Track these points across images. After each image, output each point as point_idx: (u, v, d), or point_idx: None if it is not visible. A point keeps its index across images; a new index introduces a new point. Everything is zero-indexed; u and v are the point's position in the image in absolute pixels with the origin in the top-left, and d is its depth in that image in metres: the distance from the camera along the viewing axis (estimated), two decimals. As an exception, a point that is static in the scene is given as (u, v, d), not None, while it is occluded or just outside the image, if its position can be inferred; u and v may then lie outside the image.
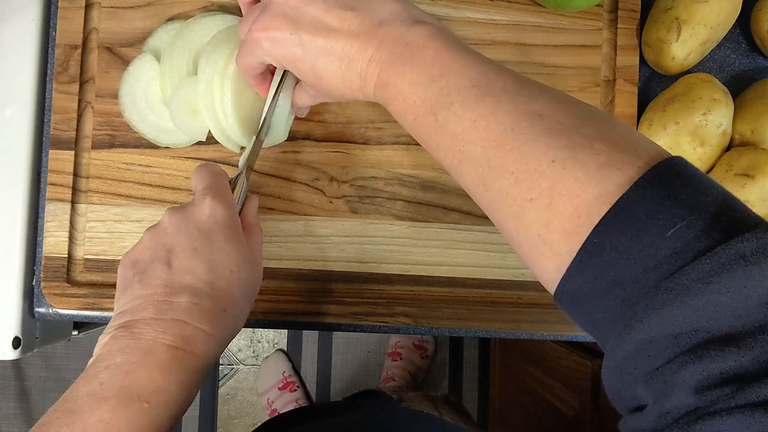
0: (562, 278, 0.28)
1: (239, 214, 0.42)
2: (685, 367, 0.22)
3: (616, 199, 0.25)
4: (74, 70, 0.48)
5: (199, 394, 1.38)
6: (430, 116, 0.32)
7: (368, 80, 0.35)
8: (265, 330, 1.41)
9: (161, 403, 0.33)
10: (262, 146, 0.48)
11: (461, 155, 0.32)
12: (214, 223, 0.37)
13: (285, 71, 0.44)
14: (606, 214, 0.26)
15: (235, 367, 1.40)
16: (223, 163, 0.49)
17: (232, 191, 0.42)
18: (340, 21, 0.35)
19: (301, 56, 0.36)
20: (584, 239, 0.26)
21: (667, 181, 0.25)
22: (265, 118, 0.44)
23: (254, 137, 0.44)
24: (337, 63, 0.35)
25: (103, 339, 0.35)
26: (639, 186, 0.25)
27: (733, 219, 0.24)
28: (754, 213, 0.25)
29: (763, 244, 0.22)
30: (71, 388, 0.33)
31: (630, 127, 0.29)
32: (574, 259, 0.27)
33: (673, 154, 0.27)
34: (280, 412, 0.57)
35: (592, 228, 0.26)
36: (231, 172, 0.49)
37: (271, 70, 0.42)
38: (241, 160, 0.44)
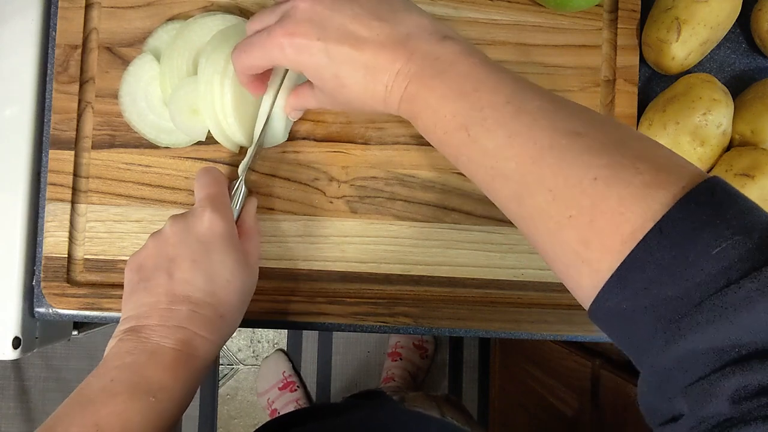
0: (600, 294, 0.28)
1: (238, 217, 0.44)
2: (725, 378, 0.23)
3: (661, 217, 0.26)
4: (74, 70, 0.48)
5: (199, 394, 1.38)
6: (462, 131, 0.32)
7: (394, 92, 0.35)
8: (265, 330, 1.41)
9: (167, 398, 0.36)
10: (263, 146, 0.48)
11: (494, 171, 0.32)
12: (212, 235, 0.39)
13: (284, 72, 0.44)
14: (650, 230, 0.26)
15: (235, 367, 1.40)
16: (223, 163, 0.49)
17: (232, 197, 0.44)
18: (368, 30, 0.35)
19: (326, 64, 0.36)
20: (625, 256, 0.26)
21: (711, 201, 0.26)
22: (265, 122, 0.44)
23: (254, 143, 0.45)
24: (362, 73, 0.35)
25: (112, 342, 0.38)
26: (683, 204, 0.26)
27: None
28: None
29: None
30: (82, 385, 0.36)
31: (668, 149, 0.30)
32: (613, 274, 0.27)
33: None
34: (281, 412, 0.57)
35: (635, 245, 0.26)
36: (232, 172, 0.49)
37: (266, 72, 0.42)
38: (241, 166, 0.45)
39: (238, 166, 0.49)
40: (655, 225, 0.26)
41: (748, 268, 0.24)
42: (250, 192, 0.48)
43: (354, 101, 0.37)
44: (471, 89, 0.32)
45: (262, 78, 0.43)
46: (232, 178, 0.46)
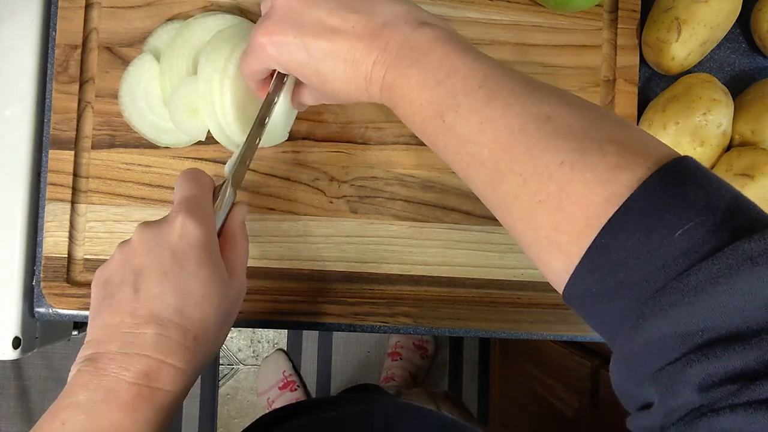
0: (571, 278, 0.28)
1: (224, 223, 0.40)
2: (691, 365, 0.23)
3: (625, 199, 0.26)
4: (74, 70, 0.48)
5: (199, 394, 1.38)
6: (437, 119, 0.32)
7: (374, 82, 0.35)
8: (265, 330, 1.41)
9: None
10: (263, 146, 0.48)
11: (469, 157, 0.32)
12: (185, 244, 0.35)
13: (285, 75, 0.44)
14: (614, 214, 0.26)
15: (235, 367, 1.40)
16: (222, 163, 0.49)
17: (216, 201, 0.40)
18: (343, 23, 0.35)
19: (306, 60, 0.36)
20: (592, 240, 0.26)
21: (676, 182, 0.25)
22: (260, 121, 0.44)
23: (244, 143, 0.42)
24: (342, 66, 0.35)
25: (72, 370, 0.34)
26: (648, 186, 0.25)
27: (743, 220, 0.24)
28: (765, 214, 0.25)
29: None
30: (36, 425, 0.32)
31: (641, 130, 0.30)
32: (582, 259, 0.27)
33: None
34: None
35: (600, 228, 0.26)
36: (210, 169, 0.49)
37: (271, 74, 0.42)
38: (228, 167, 0.42)
39: None
40: (619, 208, 0.26)
41: (710, 249, 0.23)
42: (249, 191, 0.47)
43: (339, 93, 0.37)
44: (445, 76, 0.32)
45: (269, 81, 0.43)
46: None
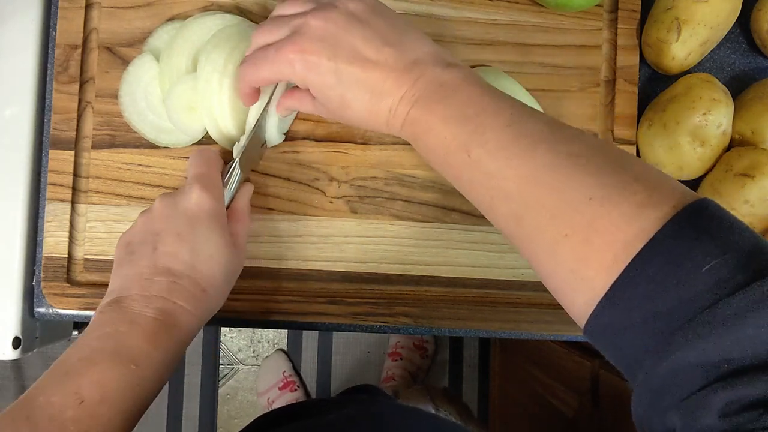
0: (595, 311, 0.28)
1: (231, 200, 0.44)
2: (716, 392, 0.23)
3: (652, 235, 0.27)
4: (74, 70, 0.48)
5: (199, 394, 1.38)
6: (463, 152, 0.33)
7: (398, 115, 0.36)
8: (265, 330, 1.40)
9: (147, 366, 0.36)
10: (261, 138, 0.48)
11: (494, 192, 0.33)
12: (199, 211, 0.40)
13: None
14: (643, 248, 0.27)
15: (235, 367, 1.40)
16: (223, 163, 0.49)
17: (225, 179, 0.44)
18: (377, 54, 0.36)
19: (334, 84, 0.36)
20: (619, 273, 0.27)
21: (701, 220, 0.27)
22: (258, 121, 0.44)
23: (253, 126, 0.44)
24: (368, 95, 0.36)
25: (95, 316, 0.38)
26: (675, 223, 0.27)
27: (764, 260, 0.26)
28: None
29: None
30: (63, 356, 0.36)
31: (659, 170, 0.31)
32: (608, 292, 0.28)
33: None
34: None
35: (628, 262, 0.27)
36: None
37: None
38: (236, 149, 0.45)
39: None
40: (647, 243, 0.27)
41: (737, 284, 0.25)
42: (247, 180, 0.47)
43: (356, 120, 0.38)
44: (473, 113, 0.34)
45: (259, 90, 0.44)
46: (229, 160, 0.46)
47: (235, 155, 0.45)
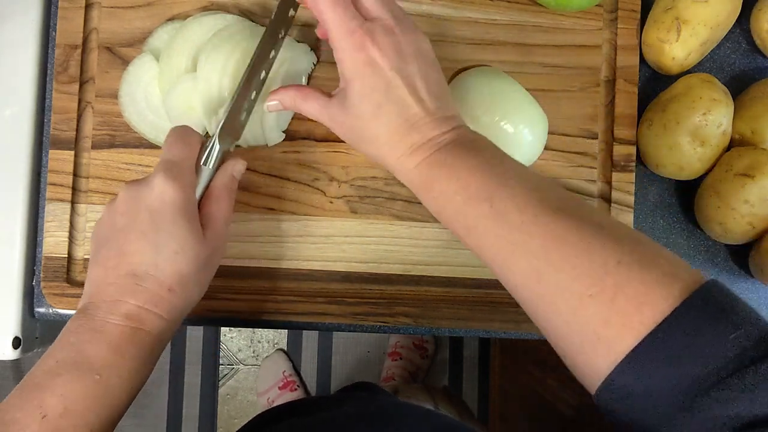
0: (614, 371, 0.29)
1: (211, 179, 0.41)
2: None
3: (680, 303, 0.28)
4: (74, 70, 0.48)
5: (199, 394, 1.38)
6: (484, 202, 0.34)
7: (416, 155, 0.37)
8: (265, 330, 1.41)
9: (113, 374, 0.35)
10: (256, 144, 0.48)
11: (514, 246, 0.33)
12: (161, 204, 0.37)
13: (269, 65, 0.43)
14: (670, 314, 0.28)
15: (235, 367, 1.40)
16: (223, 163, 0.49)
17: (203, 157, 0.41)
18: (426, 95, 0.37)
19: (382, 90, 0.37)
20: (643, 337, 0.28)
21: (721, 295, 0.29)
22: (237, 91, 0.42)
23: (233, 96, 0.42)
24: (401, 120, 0.37)
25: (66, 325, 0.38)
26: (700, 293, 0.29)
27: None
28: None
29: None
30: (31, 370, 0.36)
31: (672, 252, 0.33)
32: (631, 352, 0.28)
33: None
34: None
35: (656, 326, 0.28)
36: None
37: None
38: (214, 123, 0.43)
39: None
40: (674, 309, 0.28)
41: (761, 354, 0.27)
42: (242, 199, 0.47)
43: (369, 136, 0.38)
44: (500, 171, 0.35)
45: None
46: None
47: (213, 129, 0.43)
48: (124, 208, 0.38)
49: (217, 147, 0.41)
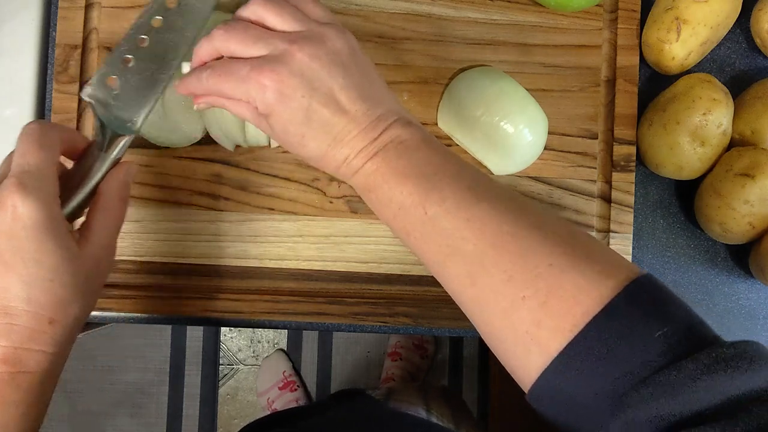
0: (545, 372, 0.29)
1: (97, 185, 0.36)
2: None
3: (608, 302, 0.29)
4: (74, 70, 0.48)
5: (199, 394, 1.38)
6: (418, 208, 0.34)
7: (352, 166, 0.36)
8: (265, 330, 1.41)
9: None
10: (254, 145, 0.48)
11: (449, 250, 0.33)
12: (20, 229, 0.32)
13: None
14: (598, 313, 0.28)
15: (235, 367, 1.40)
16: (222, 163, 0.49)
17: (86, 157, 0.36)
18: (349, 104, 0.35)
19: (300, 121, 0.35)
20: (574, 336, 0.29)
21: (651, 292, 0.30)
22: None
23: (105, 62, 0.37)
24: (329, 140, 0.35)
25: None
26: (629, 292, 0.29)
27: (703, 332, 0.29)
28: (711, 330, 0.29)
29: (740, 351, 0.27)
30: None
31: (610, 248, 0.34)
32: (562, 352, 0.29)
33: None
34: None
35: (585, 325, 0.28)
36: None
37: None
38: (96, 122, 0.37)
39: (232, 164, 0.49)
40: (603, 308, 0.28)
41: (685, 350, 0.27)
42: (242, 199, 0.47)
43: (305, 158, 0.37)
44: (431, 172, 0.34)
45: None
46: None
47: (95, 131, 0.37)
48: None
49: (101, 153, 0.36)
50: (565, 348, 0.29)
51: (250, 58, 0.35)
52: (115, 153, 0.36)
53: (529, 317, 0.30)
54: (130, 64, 0.38)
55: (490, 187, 0.34)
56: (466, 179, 0.34)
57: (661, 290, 0.30)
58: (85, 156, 0.37)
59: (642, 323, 0.28)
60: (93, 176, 0.36)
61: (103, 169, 0.36)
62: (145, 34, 0.38)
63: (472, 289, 0.32)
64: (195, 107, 0.39)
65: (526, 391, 0.32)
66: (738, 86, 0.53)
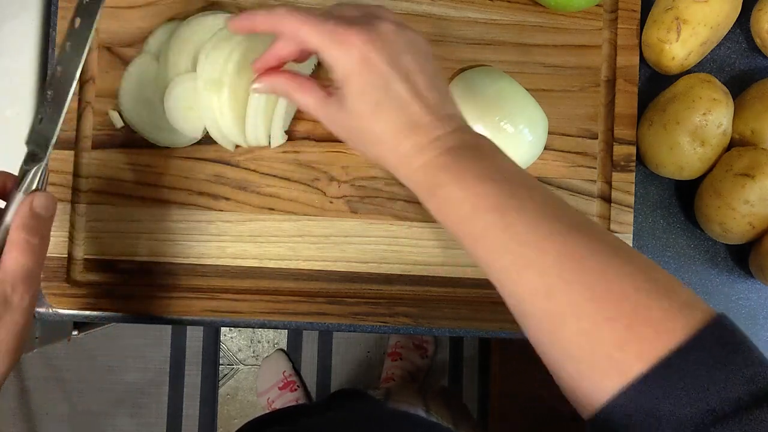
0: (622, 395, 0.28)
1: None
2: None
3: (696, 333, 0.28)
4: (74, 70, 0.48)
5: (199, 394, 1.38)
6: (494, 213, 0.32)
7: (422, 154, 0.34)
8: (265, 330, 1.40)
9: None
10: (255, 145, 0.48)
11: (525, 260, 0.31)
12: None
13: None
14: (687, 342, 0.28)
15: (235, 367, 1.40)
16: (222, 163, 0.49)
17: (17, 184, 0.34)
18: (426, 90, 0.34)
19: (380, 86, 0.34)
20: (659, 361, 0.28)
21: (734, 331, 0.29)
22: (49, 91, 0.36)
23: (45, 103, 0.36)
24: (402, 121, 0.34)
25: None
26: (716, 326, 0.28)
27: None
28: None
29: None
30: None
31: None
32: (641, 377, 0.28)
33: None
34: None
35: (671, 354, 0.28)
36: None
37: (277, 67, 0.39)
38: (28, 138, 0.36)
39: (232, 164, 0.49)
40: (690, 338, 0.28)
41: (764, 397, 0.26)
42: (242, 199, 0.47)
43: (370, 137, 0.35)
44: (508, 179, 0.33)
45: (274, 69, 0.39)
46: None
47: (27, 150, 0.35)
48: None
49: (21, 166, 0.34)
50: (647, 373, 0.28)
51: (339, 16, 0.35)
52: (24, 186, 0.35)
53: (612, 338, 0.29)
54: (49, 96, 0.37)
55: (563, 204, 0.33)
56: (541, 193, 0.33)
57: (741, 332, 0.29)
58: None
59: (727, 361, 0.28)
60: (6, 214, 0.34)
61: (13, 206, 0.34)
62: (59, 64, 0.37)
63: (547, 302, 0.31)
64: (252, 89, 0.38)
65: (587, 413, 0.30)
66: (738, 86, 0.53)
